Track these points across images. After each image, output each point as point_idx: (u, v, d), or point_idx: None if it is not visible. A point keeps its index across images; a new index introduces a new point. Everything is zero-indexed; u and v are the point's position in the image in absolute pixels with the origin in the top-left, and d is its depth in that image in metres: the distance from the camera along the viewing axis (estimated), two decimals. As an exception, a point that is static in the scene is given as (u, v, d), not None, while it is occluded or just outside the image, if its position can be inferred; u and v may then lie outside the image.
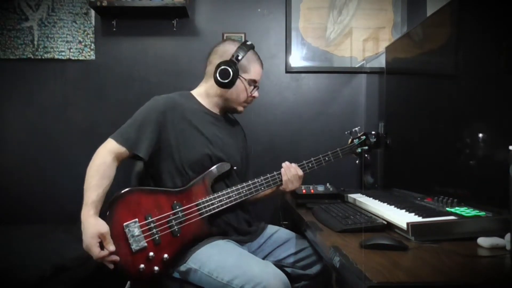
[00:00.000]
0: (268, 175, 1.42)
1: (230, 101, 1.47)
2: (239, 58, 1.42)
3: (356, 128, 1.57)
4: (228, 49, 1.45)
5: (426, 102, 1.62)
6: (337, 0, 2.29)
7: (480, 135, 1.25)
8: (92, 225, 1.19)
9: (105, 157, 1.28)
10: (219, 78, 1.40)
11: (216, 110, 1.51)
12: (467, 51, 1.34)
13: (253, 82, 1.48)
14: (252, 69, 1.47)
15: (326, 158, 1.48)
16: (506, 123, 1.13)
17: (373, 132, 1.58)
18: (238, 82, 1.43)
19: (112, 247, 1.20)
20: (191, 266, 1.26)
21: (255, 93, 1.51)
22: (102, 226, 1.20)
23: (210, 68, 1.46)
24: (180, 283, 1.29)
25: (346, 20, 2.29)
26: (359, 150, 1.54)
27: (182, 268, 1.27)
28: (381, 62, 2.20)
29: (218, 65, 1.41)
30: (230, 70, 1.40)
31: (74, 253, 1.64)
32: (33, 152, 2.26)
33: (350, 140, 1.56)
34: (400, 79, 1.95)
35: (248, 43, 1.47)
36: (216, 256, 1.24)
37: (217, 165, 1.39)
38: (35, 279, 1.40)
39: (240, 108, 1.51)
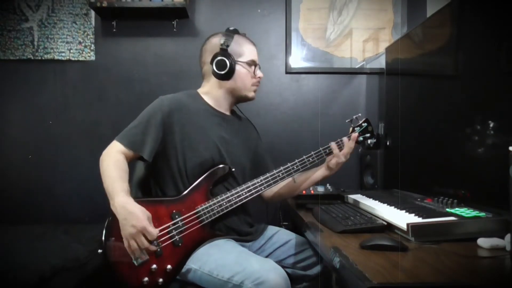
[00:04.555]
0: (268, 174, 1.38)
1: (238, 90, 1.45)
2: (228, 45, 1.40)
3: (357, 115, 1.48)
4: (215, 43, 1.43)
5: (426, 103, 1.62)
6: (337, 0, 2.29)
7: (480, 135, 1.24)
8: (140, 208, 1.18)
9: (117, 155, 1.28)
10: (217, 71, 1.39)
11: (224, 109, 1.48)
12: (467, 52, 1.34)
13: (252, 62, 1.46)
14: (246, 50, 1.45)
15: (327, 150, 1.42)
16: (506, 123, 1.13)
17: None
18: (237, 67, 1.42)
19: (157, 230, 1.20)
20: (191, 267, 1.25)
21: (259, 73, 1.49)
22: (146, 211, 1.19)
23: (207, 67, 1.45)
24: (180, 283, 1.29)
25: (346, 21, 2.29)
26: (361, 138, 1.46)
27: (183, 269, 1.27)
28: (381, 63, 2.21)
29: (212, 59, 1.40)
30: (225, 59, 1.38)
31: (73, 254, 1.64)
32: (33, 152, 2.26)
33: (351, 129, 1.48)
34: (400, 79, 1.95)
35: (231, 28, 1.47)
36: (216, 255, 1.24)
37: (215, 168, 1.36)
38: (35, 280, 1.40)
39: (251, 94, 1.48)
